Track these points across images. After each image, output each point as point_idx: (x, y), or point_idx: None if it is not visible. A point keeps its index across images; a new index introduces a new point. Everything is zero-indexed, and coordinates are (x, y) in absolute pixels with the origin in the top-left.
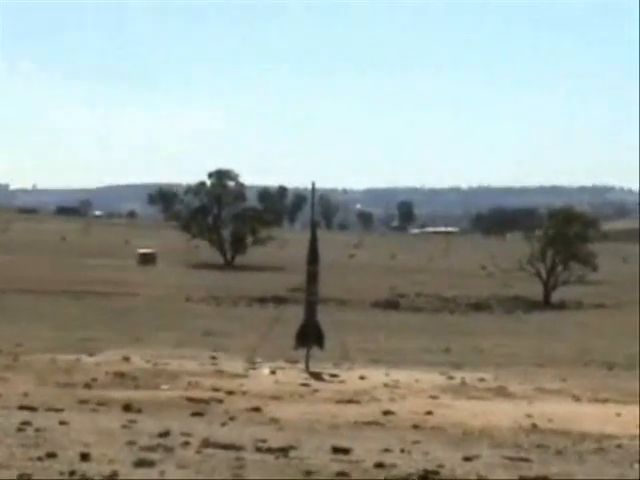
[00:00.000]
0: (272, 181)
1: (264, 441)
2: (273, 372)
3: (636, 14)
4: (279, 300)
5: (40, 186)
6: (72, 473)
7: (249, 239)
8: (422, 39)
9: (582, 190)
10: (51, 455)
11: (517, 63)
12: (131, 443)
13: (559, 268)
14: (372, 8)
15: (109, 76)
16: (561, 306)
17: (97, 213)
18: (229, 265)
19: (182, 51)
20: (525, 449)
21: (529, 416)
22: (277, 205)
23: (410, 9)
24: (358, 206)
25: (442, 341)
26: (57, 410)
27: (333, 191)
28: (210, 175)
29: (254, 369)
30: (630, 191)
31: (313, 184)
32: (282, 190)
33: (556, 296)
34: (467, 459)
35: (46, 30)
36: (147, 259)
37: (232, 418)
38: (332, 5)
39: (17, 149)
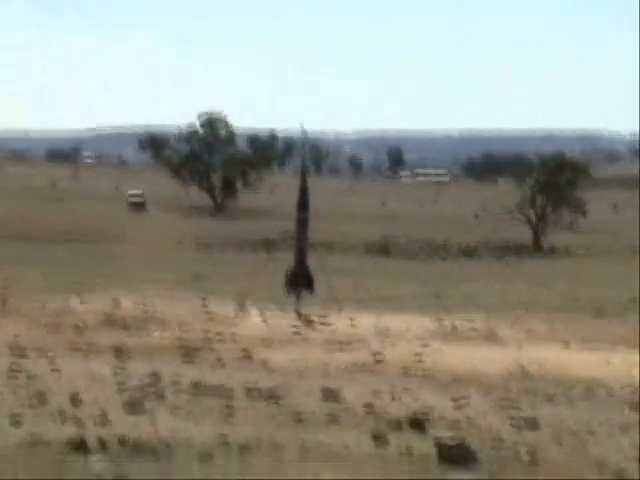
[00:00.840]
0: (262, 125)
1: (254, 384)
2: (263, 316)
3: None
4: (269, 245)
5: (31, 131)
6: (63, 416)
7: (239, 184)
8: None
9: (574, 137)
10: (42, 398)
11: (506, 8)
12: (121, 387)
13: (549, 214)
14: None
15: (98, 16)
16: (551, 252)
17: (88, 159)
18: (220, 210)
19: None
20: (514, 393)
21: (518, 361)
22: (267, 150)
23: None
24: (348, 150)
25: (433, 287)
26: (48, 354)
27: (323, 133)
28: (200, 119)
29: (244, 313)
30: (620, 137)
31: (303, 129)
32: (273, 135)
33: (546, 242)
34: (456, 403)
35: None
36: (137, 205)
37: (222, 362)
38: None
39: (6, 94)
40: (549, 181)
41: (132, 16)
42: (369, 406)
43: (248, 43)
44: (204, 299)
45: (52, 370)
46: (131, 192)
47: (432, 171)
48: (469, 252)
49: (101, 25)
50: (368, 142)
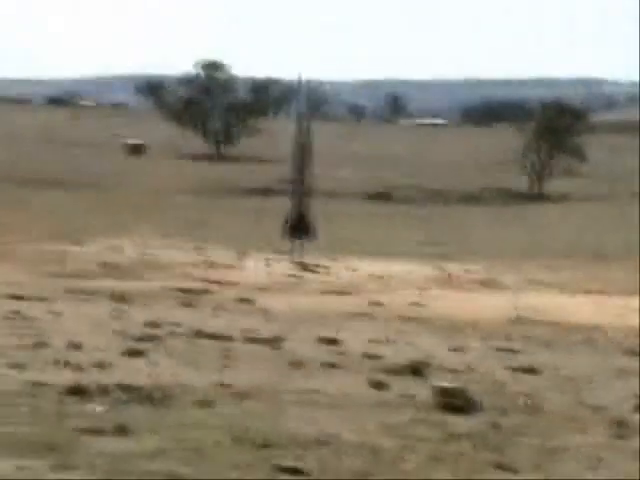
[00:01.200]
0: (262, 73)
1: (253, 331)
2: (262, 263)
3: None
4: (269, 191)
5: (30, 77)
6: (62, 362)
7: (239, 130)
8: None
9: (572, 82)
10: (40, 344)
11: None
12: (120, 333)
13: (549, 160)
14: None
15: None
16: (550, 198)
17: (86, 103)
18: (219, 156)
19: None
20: (513, 340)
21: (518, 307)
22: (267, 97)
23: None
24: (348, 98)
25: (432, 233)
26: (46, 299)
27: (322, 81)
28: (199, 65)
29: (243, 260)
30: (618, 83)
31: (300, 75)
32: (273, 82)
33: (545, 188)
34: (456, 350)
35: None
36: (136, 150)
37: (221, 308)
38: None
39: (8, 39)
40: (548, 127)
41: None
42: (367, 353)
43: None
44: (202, 247)
45: (50, 314)
46: (130, 142)
47: (431, 120)
48: (468, 198)
49: None
50: (367, 89)
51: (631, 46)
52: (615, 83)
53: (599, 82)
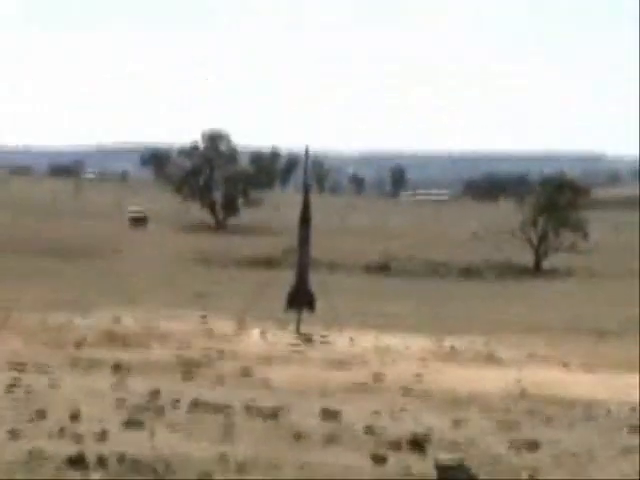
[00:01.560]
0: (265, 143)
1: (254, 403)
2: (264, 334)
3: None
4: (270, 262)
5: (34, 146)
6: (62, 432)
7: (241, 201)
8: None
9: (575, 157)
10: (41, 414)
11: (508, 28)
12: (121, 403)
13: (550, 235)
14: None
15: (102, 35)
16: (552, 273)
17: (90, 174)
18: (221, 227)
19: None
20: (514, 415)
21: (519, 382)
22: (269, 168)
23: None
24: (350, 170)
25: (433, 306)
26: (47, 369)
27: (326, 154)
28: (203, 137)
29: (245, 331)
30: (622, 159)
31: (307, 147)
32: (275, 153)
33: (547, 264)
34: (456, 424)
35: None
36: (139, 220)
37: (222, 379)
38: None
39: (9, 107)
40: (550, 202)
41: (136, 32)
42: (369, 426)
43: (252, 63)
44: (204, 317)
45: (51, 385)
46: (132, 209)
47: (433, 192)
48: (469, 271)
49: (103, 42)
50: (370, 161)
51: (632, 121)
52: (616, 158)
53: (600, 157)
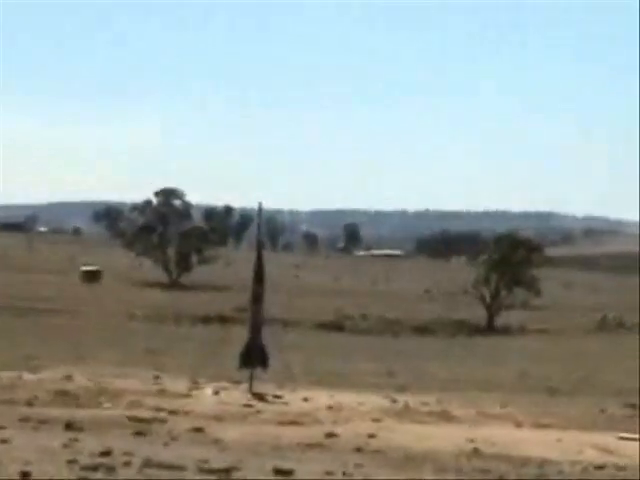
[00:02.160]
0: (218, 201)
1: (206, 462)
2: (216, 392)
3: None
4: (224, 320)
5: None
6: None
7: (194, 258)
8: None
9: (527, 215)
10: None
11: (462, 90)
12: (72, 462)
13: (503, 293)
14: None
15: (53, 90)
16: (504, 331)
17: (42, 229)
18: (174, 284)
19: (128, 64)
20: (467, 474)
21: (471, 441)
22: (223, 224)
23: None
24: (304, 227)
25: (386, 364)
26: None
27: (279, 211)
28: (157, 194)
29: (197, 389)
30: (574, 217)
31: (260, 205)
32: (228, 210)
33: (500, 321)
34: None
35: None
36: (91, 276)
37: (174, 438)
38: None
39: None
40: (503, 259)
41: (84, 87)
42: None
43: (203, 118)
44: (157, 375)
45: (1, 442)
46: (85, 268)
47: (387, 252)
48: (422, 329)
49: (53, 99)
50: (324, 219)
51: (584, 180)
52: (572, 218)
53: (551, 215)
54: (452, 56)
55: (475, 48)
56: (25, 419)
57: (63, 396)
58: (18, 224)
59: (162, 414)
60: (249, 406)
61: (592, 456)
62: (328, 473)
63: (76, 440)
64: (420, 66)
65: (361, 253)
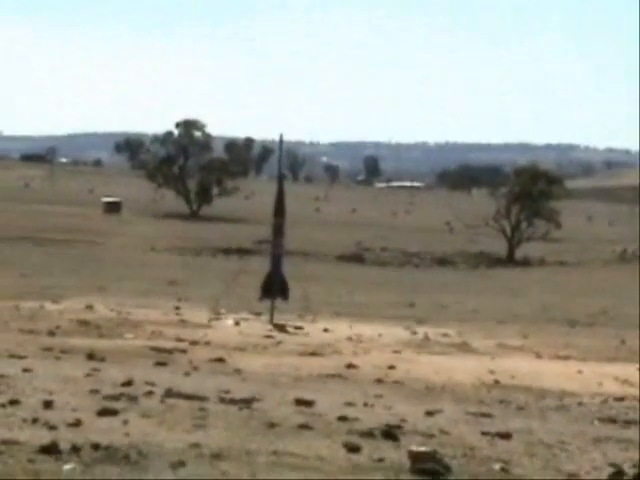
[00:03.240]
0: (239, 133)
1: (227, 392)
2: (237, 323)
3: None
4: (244, 251)
5: (6, 133)
6: (35, 420)
7: (215, 190)
8: None
9: (548, 148)
10: (14, 402)
11: (485, 18)
12: (94, 391)
13: (523, 225)
14: None
15: (75, 19)
16: (525, 263)
17: (63, 160)
18: (195, 215)
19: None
20: (487, 404)
21: (491, 372)
22: (243, 156)
23: None
24: (324, 159)
25: (406, 296)
26: (20, 357)
27: (300, 143)
28: (177, 125)
29: (218, 319)
30: (595, 150)
31: (281, 136)
32: (249, 142)
33: (520, 253)
34: (429, 414)
35: None
36: (112, 208)
37: (195, 368)
38: None
39: None
40: (523, 191)
41: (105, 19)
42: (341, 415)
43: (226, 52)
44: (177, 306)
45: (24, 371)
46: (106, 199)
47: (407, 184)
48: (442, 261)
49: (76, 29)
50: (344, 151)
51: (605, 113)
52: (593, 150)
53: (572, 147)
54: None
55: None
56: (47, 349)
57: (85, 326)
58: (39, 155)
59: (183, 344)
60: (270, 337)
61: (612, 388)
62: (348, 404)
63: (98, 370)
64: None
65: (381, 185)
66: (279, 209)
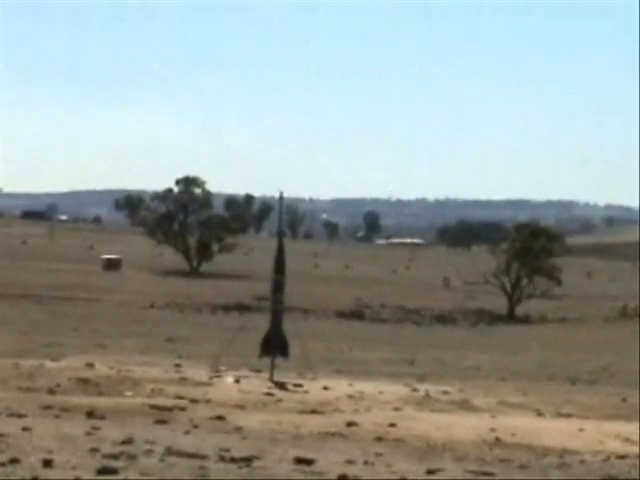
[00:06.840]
0: (239, 190)
1: (227, 450)
2: (237, 381)
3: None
4: (244, 308)
5: (6, 190)
6: (35, 479)
7: (215, 246)
8: (393, 43)
9: (548, 204)
10: (14, 461)
11: (485, 76)
12: (94, 450)
13: (524, 282)
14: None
15: (75, 79)
16: (525, 320)
17: (63, 217)
18: (194, 272)
19: (149, 54)
20: (488, 463)
21: (492, 430)
22: (243, 213)
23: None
24: (324, 216)
25: (406, 353)
26: (20, 416)
27: (300, 200)
28: (177, 182)
29: (218, 377)
30: (596, 206)
31: (281, 194)
32: (249, 198)
33: (520, 310)
34: (430, 472)
35: (10, 32)
36: (112, 264)
37: (196, 426)
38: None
39: None
40: (524, 248)
41: (103, 78)
42: (342, 474)
43: (227, 109)
44: (177, 363)
45: (23, 430)
46: (106, 256)
47: (407, 240)
48: (443, 318)
49: (76, 89)
50: (344, 208)
51: (605, 169)
52: (593, 206)
53: (571, 204)
54: (468, 48)
55: (498, 37)
56: (47, 407)
57: (84, 384)
58: (39, 213)
59: (183, 402)
60: (270, 394)
61: (614, 446)
62: (349, 462)
63: (98, 428)
64: (442, 57)
65: (381, 242)
66: (279, 266)
